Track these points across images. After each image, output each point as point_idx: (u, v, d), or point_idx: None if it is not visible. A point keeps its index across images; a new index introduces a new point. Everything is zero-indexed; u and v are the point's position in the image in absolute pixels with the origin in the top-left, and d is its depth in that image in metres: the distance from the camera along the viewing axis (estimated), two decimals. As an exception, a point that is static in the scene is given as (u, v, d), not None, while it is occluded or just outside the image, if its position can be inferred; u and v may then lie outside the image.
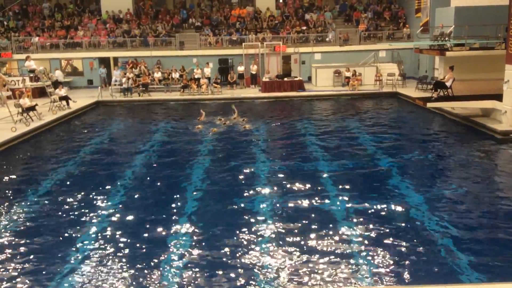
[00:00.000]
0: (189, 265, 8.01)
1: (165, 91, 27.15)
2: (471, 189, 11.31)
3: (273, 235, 8.98)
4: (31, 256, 8.41)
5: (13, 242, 8.98)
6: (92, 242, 8.89)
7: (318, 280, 7.43)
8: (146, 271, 7.80)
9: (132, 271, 7.81)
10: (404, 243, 8.55)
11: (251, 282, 7.43)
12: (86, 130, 19.39)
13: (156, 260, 8.14)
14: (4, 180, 12.85)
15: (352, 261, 7.98)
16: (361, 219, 9.57)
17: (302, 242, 8.65)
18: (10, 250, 8.65)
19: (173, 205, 10.57)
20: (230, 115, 19.30)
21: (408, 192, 11.19)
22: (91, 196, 11.23)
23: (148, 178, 12.70)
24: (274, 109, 23.49)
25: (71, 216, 10.09)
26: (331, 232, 9.02)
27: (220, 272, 7.71)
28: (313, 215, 9.82)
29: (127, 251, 8.51)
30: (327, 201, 10.66)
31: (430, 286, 7.16)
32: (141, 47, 29.78)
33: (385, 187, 11.53)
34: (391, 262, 7.91)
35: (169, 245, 8.71)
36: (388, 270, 7.66)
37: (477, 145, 15.10)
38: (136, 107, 24.74)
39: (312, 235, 8.91)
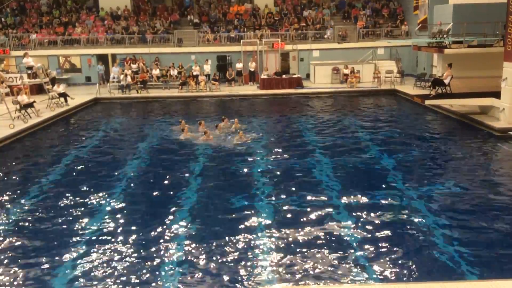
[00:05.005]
0: (188, 264, 8.03)
1: (164, 88, 27.12)
2: (469, 186, 11.33)
3: (272, 233, 8.99)
4: (29, 253, 8.41)
5: (11, 240, 8.96)
6: (90, 240, 8.88)
7: (317, 278, 7.45)
8: (144, 271, 7.79)
9: (130, 270, 7.81)
10: (402, 240, 8.58)
11: (251, 281, 7.45)
12: (84, 127, 19.37)
13: (154, 261, 8.14)
14: (1, 177, 12.83)
15: (350, 258, 8.00)
16: (359, 217, 9.57)
17: (301, 241, 8.66)
18: (7, 247, 8.64)
19: (170, 205, 10.58)
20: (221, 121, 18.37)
21: (405, 189, 11.20)
22: (88, 193, 11.21)
23: (146, 176, 12.70)
24: (272, 106, 23.49)
25: (69, 214, 10.08)
26: (329, 230, 9.03)
27: (219, 273, 7.69)
28: (311, 213, 9.82)
29: (125, 249, 8.51)
30: (325, 198, 10.66)
31: (428, 283, 7.17)
32: (139, 44, 29.73)
33: (383, 184, 11.54)
34: (389, 259, 7.92)
35: (167, 246, 8.70)
36: (386, 267, 7.68)
37: (475, 143, 15.14)
38: (134, 104, 24.71)
39: (311, 234, 8.92)
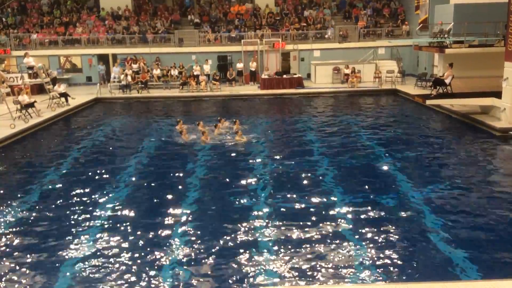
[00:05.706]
0: (188, 264, 8.03)
1: (164, 88, 27.13)
2: (470, 186, 11.31)
3: (272, 234, 8.98)
4: (29, 253, 8.40)
5: (11, 239, 8.97)
6: (90, 241, 8.88)
7: (317, 278, 7.44)
8: (144, 271, 7.78)
9: (130, 270, 7.81)
10: (402, 240, 8.56)
11: (251, 281, 7.45)
12: (84, 127, 19.36)
13: (155, 261, 8.14)
14: (2, 177, 12.84)
15: (351, 258, 7.99)
16: (360, 217, 9.57)
17: (301, 241, 8.65)
18: (8, 247, 8.64)
19: (169, 205, 10.58)
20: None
21: (406, 189, 11.19)
22: (88, 194, 11.21)
23: (146, 177, 12.69)
24: (273, 106, 23.48)
25: (69, 214, 10.08)
26: (329, 231, 9.02)
27: (219, 273, 7.69)
28: (311, 213, 9.82)
29: (125, 251, 8.51)
30: (325, 198, 10.65)
31: (428, 283, 7.16)
32: (140, 44, 29.73)
33: (383, 184, 11.54)
34: (389, 259, 7.91)
35: (166, 247, 8.70)
36: (386, 267, 7.67)
37: (476, 143, 15.11)
38: (135, 104, 24.71)
39: (311, 234, 8.91)
